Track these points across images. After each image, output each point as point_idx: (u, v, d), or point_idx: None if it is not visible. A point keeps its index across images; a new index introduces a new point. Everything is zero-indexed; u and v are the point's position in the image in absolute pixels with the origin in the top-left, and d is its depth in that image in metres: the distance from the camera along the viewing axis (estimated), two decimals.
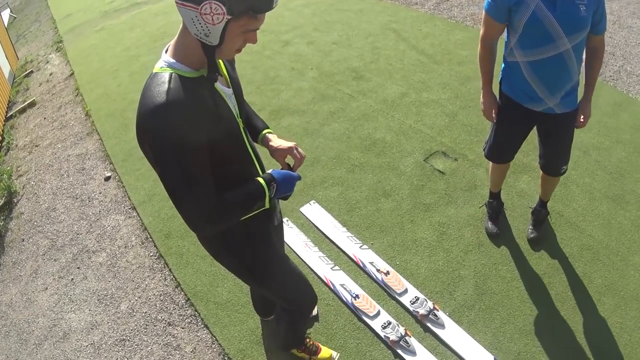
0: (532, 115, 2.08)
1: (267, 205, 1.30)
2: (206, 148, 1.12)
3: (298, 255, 2.57)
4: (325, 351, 2.09)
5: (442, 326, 2.18)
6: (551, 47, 1.82)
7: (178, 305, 2.39)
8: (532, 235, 2.59)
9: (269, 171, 1.35)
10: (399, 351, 2.09)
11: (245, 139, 1.34)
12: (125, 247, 2.88)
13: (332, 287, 2.40)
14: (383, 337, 2.13)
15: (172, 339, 2.25)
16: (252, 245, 1.46)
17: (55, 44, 6.73)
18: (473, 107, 3.46)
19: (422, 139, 3.26)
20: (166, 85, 1.07)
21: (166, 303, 2.42)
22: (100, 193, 3.44)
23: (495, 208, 2.69)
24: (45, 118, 4.86)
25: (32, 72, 6.22)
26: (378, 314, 2.21)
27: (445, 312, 2.26)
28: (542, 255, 2.52)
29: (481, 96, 2.15)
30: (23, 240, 3.27)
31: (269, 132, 1.51)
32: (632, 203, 2.85)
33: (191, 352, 2.19)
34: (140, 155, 3.37)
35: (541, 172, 2.39)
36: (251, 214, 1.30)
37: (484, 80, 2.11)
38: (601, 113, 3.36)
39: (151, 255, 2.74)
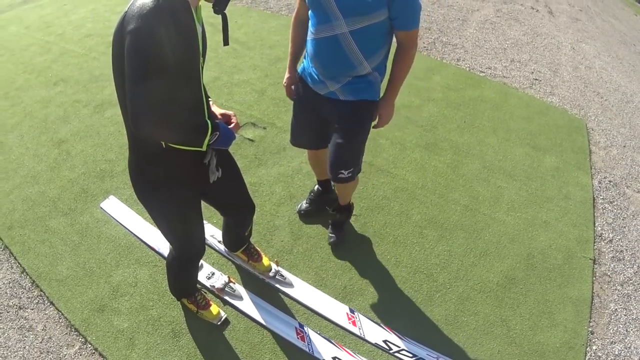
0: (319, 99, 1.96)
1: (203, 148, 1.39)
2: (168, 68, 1.21)
3: None
4: (213, 308, 2.17)
5: (290, 285, 2.34)
6: (328, 27, 1.70)
7: (25, 289, 2.45)
8: (331, 240, 2.53)
9: (217, 121, 1.48)
10: (227, 298, 2.26)
11: (201, 80, 1.42)
12: None
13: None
14: (209, 286, 2.29)
15: (25, 322, 2.31)
16: (156, 188, 1.55)
17: None
18: (282, 84, 3.73)
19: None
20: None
21: (15, 289, 2.47)
22: None
23: (315, 192, 2.65)
24: None
25: None
26: (201, 266, 2.35)
27: (268, 255, 2.42)
28: (356, 199, 2.72)
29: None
30: None
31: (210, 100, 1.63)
32: (447, 149, 3.17)
33: (42, 330, 2.26)
34: None
35: None
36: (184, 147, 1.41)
37: (289, 56, 2.03)
38: (413, 77, 3.69)
39: None
